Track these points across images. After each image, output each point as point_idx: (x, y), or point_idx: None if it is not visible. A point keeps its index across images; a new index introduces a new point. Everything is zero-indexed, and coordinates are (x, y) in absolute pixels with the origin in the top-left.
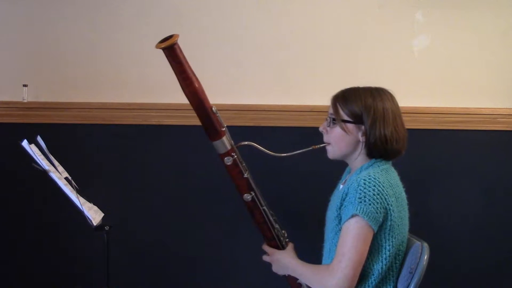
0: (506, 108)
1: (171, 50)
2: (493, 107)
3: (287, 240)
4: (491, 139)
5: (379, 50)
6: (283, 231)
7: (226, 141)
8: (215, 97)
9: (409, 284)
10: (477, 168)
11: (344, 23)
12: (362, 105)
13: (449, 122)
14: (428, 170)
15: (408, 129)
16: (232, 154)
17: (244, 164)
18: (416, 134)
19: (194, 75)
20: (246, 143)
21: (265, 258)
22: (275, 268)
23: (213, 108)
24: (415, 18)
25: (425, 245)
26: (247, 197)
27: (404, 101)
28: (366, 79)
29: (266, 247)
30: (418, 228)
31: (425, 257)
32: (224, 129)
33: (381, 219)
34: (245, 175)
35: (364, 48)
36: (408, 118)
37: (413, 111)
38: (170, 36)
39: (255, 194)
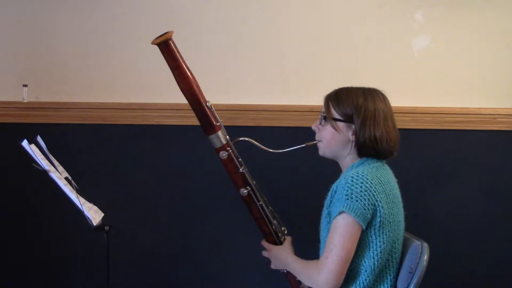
0: (506, 108)
1: (165, 45)
2: (493, 107)
3: (286, 236)
4: (491, 139)
5: (379, 50)
6: (282, 228)
7: (221, 136)
8: (215, 97)
9: (409, 284)
10: (477, 168)
11: (344, 23)
12: (353, 104)
13: (449, 122)
14: (428, 170)
15: (408, 129)
16: (227, 148)
17: (240, 159)
18: (416, 134)
19: (189, 70)
20: (242, 138)
21: (264, 253)
22: (274, 264)
23: (208, 103)
24: (415, 18)
25: (425, 245)
26: (243, 191)
27: (404, 101)
28: (366, 79)
29: (264, 243)
30: (418, 228)
31: (425, 257)
32: (219, 124)
33: (369, 216)
34: (241, 170)
35: (364, 48)
36: (408, 118)
37: (413, 111)
38: (166, 33)
39: (252, 189)
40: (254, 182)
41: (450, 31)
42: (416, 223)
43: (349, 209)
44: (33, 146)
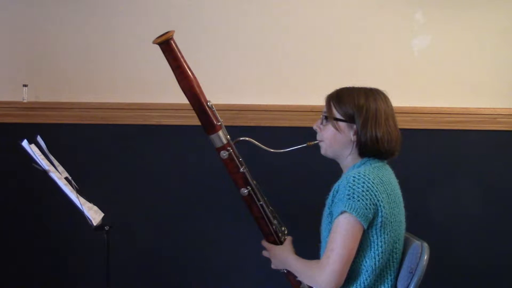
0: (506, 108)
1: (166, 45)
2: (493, 107)
3: (286, 236)
4: (491, 139)
5: (379, 50)
6: (283, 228)
7: (222, 135)
8: (215, 97)
9: (409, 284)
10: (477, 168)
11: (344, 23)
12: (354, 104)
13: (449, 122)
14: (428, 170)
15: (408, 129)
16: (228, 148)
17: (241, 159)
18: (416, 134)
19: (190, 70)
20: (242, 138)
21: (265, 253)
22: (274, 264)
23: (208, 103)
24: (415, 18)
25: (425, 245)
26: (244, 191)
27: (404, 101)
28: (366, 79)
29: (264, 243)
30: (418, 228)
31: (425, 257)
32: (220, 123)
33: (370, 215)
34: (241, 170)
35: (364, 48)
36: (408, 118)
37: (413, 111)
38: (167, 32)
39: (252, 189)
40: (254, 182)
41: (450, 31)
42: (416, 223)
43: (350, 209)
44: (33, 146)
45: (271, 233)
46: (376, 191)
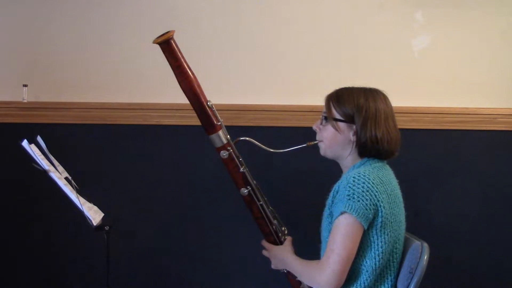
0: (506, 108)
1: (167, 44)
2: (493, 107)
3: (286, 236)
4: (491, 139)
5: (379, 50)
6: (283, 228)
7: (222, 135)
8: (215, 97)
9: (409, 284)
10: (477, 168)
11: (344, 23)
12: (354, 105)
13: (449, 122)
14: (428, 170)
15: (408, 129)
16: (228, 148)
17: (241, 159)
18: (416, 134)
19: (190, 69)
20: (242, 138)
21: (265, 253)
22: (274, 264)
23: (209, 103)
24: (415, 18)
25: (425, 245)
26: (244, 191)
27: (404, 101)
28: (366, 79)
29: (264, 243)
30: (418, 228)
31: (425, 257)
32: (220, 123)
33: (371, 216)
34: (241, 170)
35: (364, 48)
36: (408, 118)
37: (413, 111)
38: (167, 32)
39: (252, 188)
40: (254, 181)
41: (450, 31)
42: (416, 223)
43: (350, 209)
44: (33, 146)
45: (271, 233)
46: (376, 192)
